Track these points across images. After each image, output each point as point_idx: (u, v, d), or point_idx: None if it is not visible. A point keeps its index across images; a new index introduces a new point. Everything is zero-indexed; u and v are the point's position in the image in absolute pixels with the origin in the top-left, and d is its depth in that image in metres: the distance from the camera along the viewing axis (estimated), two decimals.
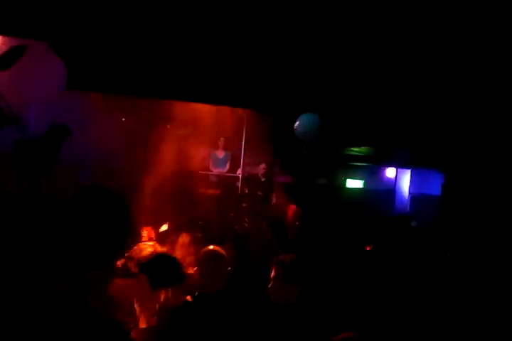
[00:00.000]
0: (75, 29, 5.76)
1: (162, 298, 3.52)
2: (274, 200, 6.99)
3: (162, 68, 6.84)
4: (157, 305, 3.47)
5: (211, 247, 3.58)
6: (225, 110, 8.88)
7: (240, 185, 9.07)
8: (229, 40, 6.47)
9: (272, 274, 3.51)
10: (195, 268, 3.53)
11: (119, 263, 4.08)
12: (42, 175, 4.80)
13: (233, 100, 8.06)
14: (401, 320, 4.01)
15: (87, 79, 6.73)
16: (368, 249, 5.97)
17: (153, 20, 5.79)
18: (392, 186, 10.04)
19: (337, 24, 6.58)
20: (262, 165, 9.01)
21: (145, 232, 5.26)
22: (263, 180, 8.81)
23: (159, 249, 4.46)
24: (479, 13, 5.88)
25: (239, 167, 9.40)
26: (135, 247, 4.42)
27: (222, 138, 9.43)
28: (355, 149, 9.67)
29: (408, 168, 9.96)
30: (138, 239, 5.03)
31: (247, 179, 8.98)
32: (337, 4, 5.44)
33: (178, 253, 4.43)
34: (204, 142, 9.34)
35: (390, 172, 9.81)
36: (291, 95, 7.90)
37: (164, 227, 5.52)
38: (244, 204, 7.04)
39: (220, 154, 9.49)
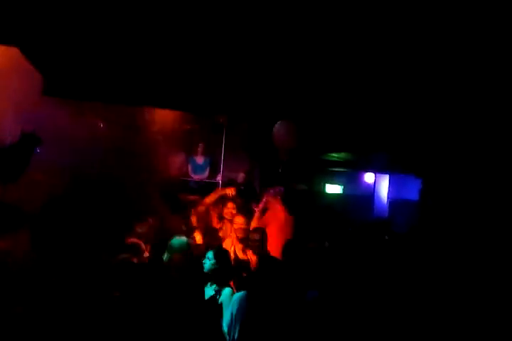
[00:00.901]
0: (47, 35, 5.70)
1: None
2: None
3: (138, 75, 6.82)
4: None
5: None
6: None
7: None
8: (204, 49, 6.46)
9: None
10: None
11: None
12: (10, 182, 4.78)
13: (210, 108, 8.09)
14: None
15: (63, 85, 6.68)
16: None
17: (127, 27, 5.76)
18: (371, 191, 10.10)
19: (312, 34, 6.61)
20: (241, 175, 9.06)
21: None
22: (242, 188, 8.82)
23: None
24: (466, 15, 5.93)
25: (218, 173, 9.39)
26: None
27: (201, 144, 9.39)
28: (333, 155, 9.72)
29: (386, 173, 10.03)
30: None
31: (227, 184, 8.97)
32: (315, 10, 5.44)
33: None
34: (182, 148, 9.33)
35: (369, 177, 9.88)
36: (268, 102, 7.94)
37: None
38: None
39: (200, 160, 9.44)
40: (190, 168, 9.32)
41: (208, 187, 9.06)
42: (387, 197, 10.05)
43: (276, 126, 7.88)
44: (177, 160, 9.30)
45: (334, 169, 9.84)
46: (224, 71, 7.25)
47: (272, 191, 6.79)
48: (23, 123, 5.94)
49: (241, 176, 9.03)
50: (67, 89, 6.79)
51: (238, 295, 3.98)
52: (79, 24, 5.47)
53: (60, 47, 5.99)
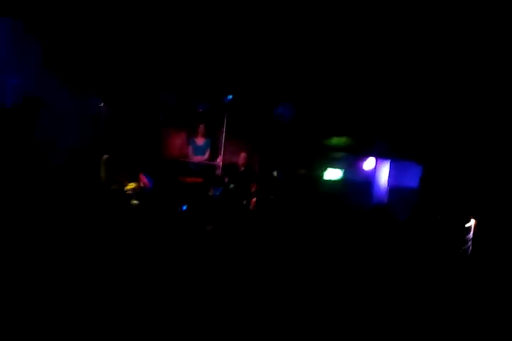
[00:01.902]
0: (51, 8, 5.65)
1: None
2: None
3: (142, 56, 6.80)
4: None
5: None
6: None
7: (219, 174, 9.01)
8: (207, 34, 6.43)
9: None
10: None
11: None
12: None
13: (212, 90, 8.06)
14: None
15: (63, 58, 6.62)
16: None
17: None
18: (371, 177, 10.06)
19: (312, 18, 6.55)
20: (243, 155, 8.96)
21: None
22: (242, 169, 8.77)
23: None
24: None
25: (219, 155, 9.32)
26: None
27: (201, 125, 9.28)
28: (334, 139, 9.67)
29: (387, 159, 9.99)
30: None
31: (227, 168, 8.91)
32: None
33: None
34: (183, 129, 9.27)
35: (370, 163, 9.83)
36: (269, 85, 7.89)
37: None
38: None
39: (200, 141, 9.35)
40: (190, 149, 9.25)
41: (208, 169, 9.02)
42: (387, 184, 10.01)
43: None
44: (177, 141, 9.24)
45: (335, 154, 9.80)
46: (226, 53, 7.21)
47: None
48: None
49: (242, 156, 8.94)
50: (67, 64, 6.76)
51: None
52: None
53: (63, 21, 5.95)
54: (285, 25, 6.81)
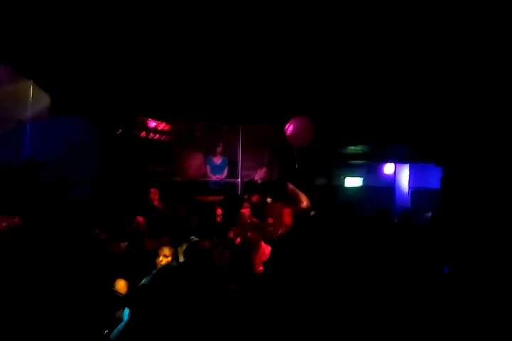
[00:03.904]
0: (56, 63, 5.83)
1: None
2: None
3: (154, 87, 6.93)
4: None
5: None
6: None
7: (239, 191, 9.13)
8: (212, 56, 6.52)
9: None
10: None
11: None
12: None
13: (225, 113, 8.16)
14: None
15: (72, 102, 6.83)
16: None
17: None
18: (392, 182, 10.05)
19: (327, 26, 6.59)
20: (264, 169, 9.10)
21: None
22: (259, 182, 8.88)
23: None
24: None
25: (236, 173, 9.43)
26: None
27: (220, 144, 9.44)
28: (351, 147, 9.69)
29: (406, 163, 9.96)
30: None
31: (247, 185, 9.03)
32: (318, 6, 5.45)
33: None
34: (200, 149, 9.40)
35: (389, 168, 9.81)
36: (282, 98, 7.95)
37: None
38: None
39: (218, 160, 9.49)
40: (208, 168, 9.38)
41: (227, 187, 9.13)
42: (409, 187, 9.98)
43: (288, 124, 7.91)
44: (195, 161, 9.37)
45: (353, 162, 9.82)
46: (237, 70, 7.28)
47: None
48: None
49: (263, 171, 9.06)
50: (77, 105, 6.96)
51: None
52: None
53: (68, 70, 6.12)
54: (295, 38, 6.86)
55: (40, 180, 5.87)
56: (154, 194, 7.55)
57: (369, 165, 9.93)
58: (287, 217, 6.83)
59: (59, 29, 5.47)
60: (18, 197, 5.45)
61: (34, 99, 6.14)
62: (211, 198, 8.22)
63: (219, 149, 9.45)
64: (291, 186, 7.64)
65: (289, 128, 7.95)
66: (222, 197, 8.15)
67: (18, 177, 5.38)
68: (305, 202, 7.72)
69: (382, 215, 6.74)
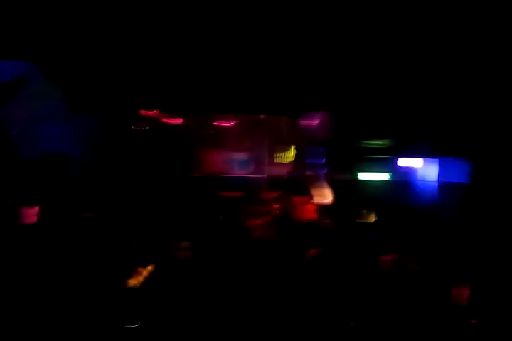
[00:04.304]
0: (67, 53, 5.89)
1: None
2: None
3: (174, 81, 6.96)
4: None
5: None
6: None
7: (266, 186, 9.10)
8: (230, 48, 6.52)
9: None
10: None
11: None
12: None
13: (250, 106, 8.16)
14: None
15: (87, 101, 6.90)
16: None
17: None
18: (419, 177, 9.92)
19: (344, 20, 6.56)
20: (289, 164, 9.11)
21: None
22: (287, 177, 8.90)
23: None
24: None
25: (263, 168, 9.43)
26: None
27: (245, 140, 9.46)
28: (376, 142, 9.60)
29: (434, 158, 9.82)
30: None
31: (275, 180, 9.03)
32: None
33: None
34: (226, 145, 9.43)
35: (416, 162, 9.68)
36: (303, 94, 7.92)
37: None
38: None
39: (244, 156, 9.51)
40: (233, 164, 9.40)
41: (254, 182, 9.13)
42: (437, 182, 9.83)
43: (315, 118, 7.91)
44: (221, 157, 9.41)
45: (378, 156, 9.72)
46: (256, 62, 7.28)
47: None
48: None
49: (289, 166, 9.08)
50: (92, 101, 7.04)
51: None
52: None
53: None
54: (312, 32, 6.83)
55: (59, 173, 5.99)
56: None
57: (395, 160, 9.82)
58: (310, 211, 6.83)
59: (68, 26, 5.54)
60: (40, 189, 5.58)
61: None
62: (234, 194, 8.23)
63: (244, 145, 9.46)
64: (315, 181, 7.70)
65: (316, 121, 7.96)
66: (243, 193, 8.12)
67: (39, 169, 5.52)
68: (328, 198, 7.73)
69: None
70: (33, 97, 6.33)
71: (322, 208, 7.31)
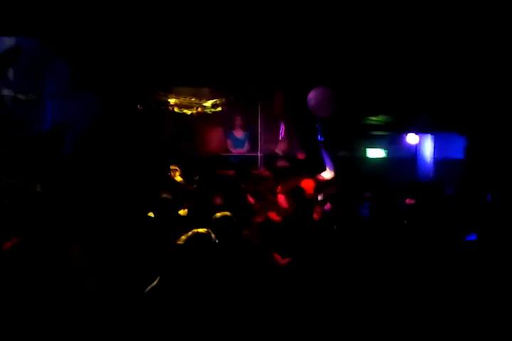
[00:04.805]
0: (73, 29, 5.76)
1: None
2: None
3: (168, 54, 6.85)
4: None
5: None
6: None
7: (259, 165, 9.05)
8: (234, 21, 6.40)
9: None
10: None
11: None
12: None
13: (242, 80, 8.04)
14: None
15: (90, 79, 6.78)
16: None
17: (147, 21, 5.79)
18: (414, 153, 9.94)
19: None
20: (284, 142, 9.01)
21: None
22: (281, 155, 8.83)
23: None
24: None
25: (257, 146, 9.33)
26: None
27: (238, 117, 9.31)
28: (373, 118, 9.55)
29: (429, 133, 9.83)
30: None
31: (269, 158, 8.97)
32: None
33: None
34: (220, 123, 9.31)
35: (412, 138, 9.67)
36: (303, 69, 7.81)
37: None
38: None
39: (239, 134, 9.38)
40: (229, 142, 9.30)
41: (249, 161, 9.06)
42: (432, 158, 9.86)
43: (310, 94, 7.81)
44: (216, 135, 9.29)
45: (375, 133, 9.69)
46: (255, 39, 7.16)
47: None
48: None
49: (285, 143, 9.01)
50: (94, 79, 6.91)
51: None
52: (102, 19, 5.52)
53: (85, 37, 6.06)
54: (313, 9, 6.72)
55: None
56: (174, 171, 7.58)
57: (391, 136, 9.80)
58: (309, 188, 6.82)
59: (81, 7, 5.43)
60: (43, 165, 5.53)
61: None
62: (231, 172, 8.15)
63: (238, 122, 9.34)
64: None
65: (312, 98, 7.85)
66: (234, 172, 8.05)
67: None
68: (329, 174, 7.70)
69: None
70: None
71: (322, 185, 7.31)
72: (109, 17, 5.90)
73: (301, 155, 8.67)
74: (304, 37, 7.33)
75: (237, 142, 9.31)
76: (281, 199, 6.40)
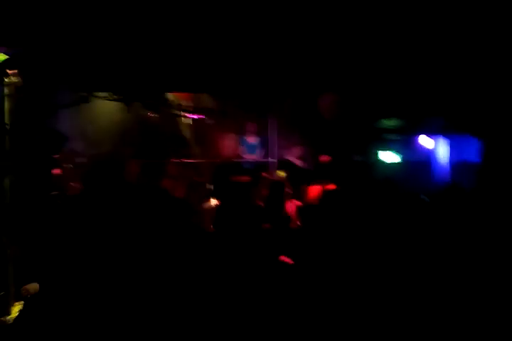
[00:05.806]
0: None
1: None
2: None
3: (177, 60, 6.86)
4: None
5: None
6: None
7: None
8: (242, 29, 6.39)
9: None
10: None
11: None
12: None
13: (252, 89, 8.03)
14: None
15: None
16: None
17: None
18: (430, 156, 9.82)
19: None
20: (299, 148, 9.00)
21: None
22: (298, 163, 8.81)
23: None
24: None
25: (271, 152, 9.32)
26: None
27: (251, 124, 9.32)
28: (387, 122, 9.47)
29: (445, 136, 9.71)
30: None
31: (283, 165, 8.94)
32: None
33: None
34: (233, 129, 9.31)
35: (428, 142, 9.56)
36: (312, 73, 7.77)
37: None
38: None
39: (251, 140, 9.39)
40: (242, 149, 9.30)
41: (262, 167, 9.04)
42: (449, 161, 9.73)
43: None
44: (229, 142, 9.30)
45: (389, 137, 9.60)
46: (265, 43, 7.14)
47: None
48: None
49: (299, 149, 9.00)
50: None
51: None
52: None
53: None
54: (321, 13, 6.68)
55: None
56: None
57: (406, 140, 9.70)
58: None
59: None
60: None
61: None
62: (245, 178, 8.15)
63: (251, 129, 9.34)
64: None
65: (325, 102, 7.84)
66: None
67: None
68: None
69: None
70: None
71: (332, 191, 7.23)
72: (109, 19, 5.93)
73: (324, 158, 8.63)
74: (317, 41, 7.30)
75: (250, 148, 9.31)
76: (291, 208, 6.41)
